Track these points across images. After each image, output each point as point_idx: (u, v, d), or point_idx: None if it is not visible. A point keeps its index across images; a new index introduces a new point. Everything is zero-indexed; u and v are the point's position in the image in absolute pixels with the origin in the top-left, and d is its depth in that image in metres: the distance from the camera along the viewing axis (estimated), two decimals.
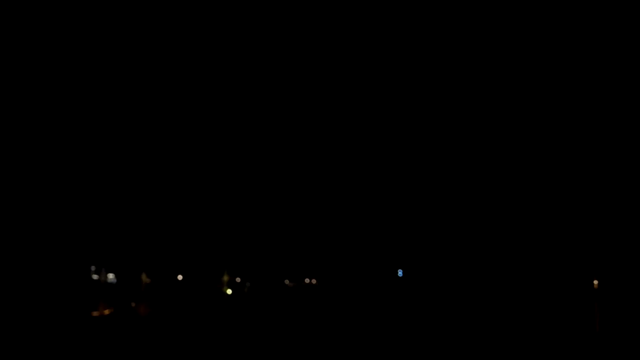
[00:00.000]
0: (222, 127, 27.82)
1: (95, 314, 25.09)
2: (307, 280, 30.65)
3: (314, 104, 27.58)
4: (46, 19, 24.86)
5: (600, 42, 24.27)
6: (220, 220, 28.65)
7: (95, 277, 27.51)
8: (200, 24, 26.40)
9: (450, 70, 26.37)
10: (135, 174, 27.36)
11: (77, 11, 25.08)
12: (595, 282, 23.96)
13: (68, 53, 25.59)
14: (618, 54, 24.07)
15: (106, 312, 25.52)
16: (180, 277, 29.30)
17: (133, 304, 26.80)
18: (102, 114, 26.55)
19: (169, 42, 26.42)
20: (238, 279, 29.94)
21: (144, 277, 28.37)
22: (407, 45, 26.41)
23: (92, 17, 25.38)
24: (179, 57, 26.61)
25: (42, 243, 25.35)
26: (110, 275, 28.05)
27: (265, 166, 28.42)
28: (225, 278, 29.49)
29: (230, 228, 28.76)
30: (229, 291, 29.36)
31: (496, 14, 25.27)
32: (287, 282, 30.64)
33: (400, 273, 28.16)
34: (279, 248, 29.47)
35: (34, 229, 25.23)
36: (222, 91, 27.36)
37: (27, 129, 25.21)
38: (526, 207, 25.80)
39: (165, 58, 26.54)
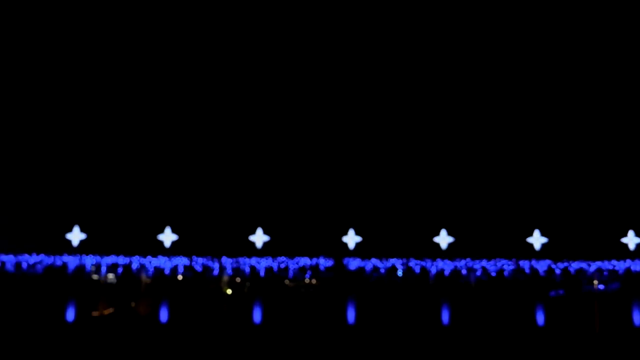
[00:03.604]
0: (221, 128, 27.83)
1: (95, 314, 25.09)
2: (307, 280, 30.65)
3: (306, 114, 27.59)
4: (46, 18, 24.88)
5: (600, 42, 24.28)
6: (220, 220, 28.65)
7: (95, 277, 27.51)
8: (201, 22, 26.42)
9: (449, 69, 26.38)
10: (135, 174, 27.37)
11: (77, 11, 25.09)
12: (595, 282, 23.96)
13: (65, 51, 25.60)
14: (617, 53, 24.08)
15: (106, 312, 25.51)
16: (180, 277, 29.31)
17: (133, 304, 26.79)
18: (103, 115, 26.55)
19: (168, 41, 26.44)
20: (238, 279, 29.94)
21: (144, 277, 28.37)
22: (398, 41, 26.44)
23: (92, 16, 25.40)
24: (160, 50, 26.62)
25: (43, 243, 25.34)
26: (110, 275, 28.05)
27: (264, 166, 28.43)
28: (226, 278, 29.50)
29: (230, 228, 28.76)
30: (229, 291, 29.36)
31: (496, 14, 25.29)
32: (287, 282, 30.63)
33: (400, 273, 28.17)
34: (279, 248, 29.49)
35: (34, 229, 25.22)
36: (220, 98, 27.38)
37: (26, 130, 25.22)
38: (525, 206, 25.82)
39: (146, 51, 26.56)
